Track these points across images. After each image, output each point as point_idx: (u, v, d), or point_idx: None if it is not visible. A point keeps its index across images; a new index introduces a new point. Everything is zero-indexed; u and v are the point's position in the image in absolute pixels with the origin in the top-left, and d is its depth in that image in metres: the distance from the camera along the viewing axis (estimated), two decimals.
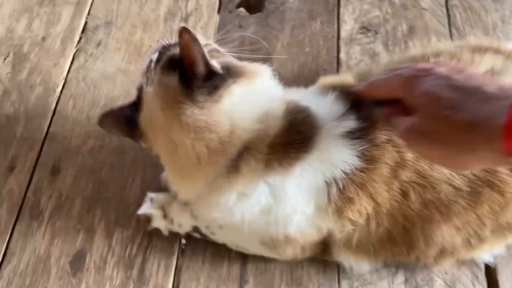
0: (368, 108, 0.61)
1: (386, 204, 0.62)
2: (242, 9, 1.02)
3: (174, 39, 0.64)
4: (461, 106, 0.47)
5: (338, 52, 0.97)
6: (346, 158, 0.60)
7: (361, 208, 0.61)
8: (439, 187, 0.60)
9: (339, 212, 0.62)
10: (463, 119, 0.46)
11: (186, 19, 0.99)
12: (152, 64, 0.63)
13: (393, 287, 0.72)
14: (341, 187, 0.60)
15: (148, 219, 0.74)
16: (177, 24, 0.97)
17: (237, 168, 0.60)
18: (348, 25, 1.00)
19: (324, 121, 0.61)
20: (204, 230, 0.73)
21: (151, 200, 0.75)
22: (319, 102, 0.64)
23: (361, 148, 0.60)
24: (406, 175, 0.60)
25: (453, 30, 1.01)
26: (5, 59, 0.91)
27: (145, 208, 0.75)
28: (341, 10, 1.02)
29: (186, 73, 0.58)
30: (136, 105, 0.65)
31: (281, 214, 0.63)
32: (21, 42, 0.93)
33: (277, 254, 0.71)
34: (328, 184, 0.60)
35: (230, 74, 0.60)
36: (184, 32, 0.55)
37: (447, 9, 1.03)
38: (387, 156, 0.60)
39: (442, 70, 0.51)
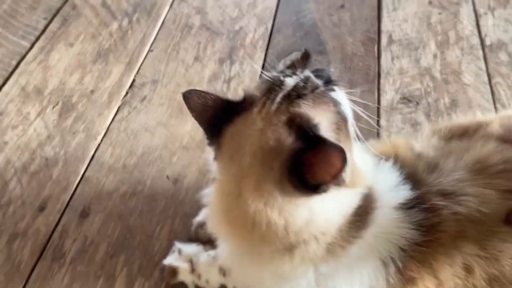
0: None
1: (450, 282, 0.57)
2: None
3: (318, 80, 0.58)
4: None
5: (379, 118, 0.96)
6: (404, 232, 0.56)
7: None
8: (503, 260, 0.56)
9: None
10: None
11: (228, 82, 1.02)
12: (279, 94, 0.55)
13: None
14: (400, 266, 0.56)
15: (174, 271, 0.71)
16: (221, 86, 1.00)
17: (292, 251, 0.54)
18: (389, 95, 1.01)
19: (380, 193, 0.58)
20: None
21: (179, 251, 0.72)
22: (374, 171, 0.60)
23: (418, 218, 0.56)
24: (468, 246, 0.56)
25: (498, 106, 0.99)
26: (53, 107, 0.96)
27: (172, 259, 0.72)
28: (382, 81, 1.04)
29: (302, 169, 0.50)
30: (233, 109, 0.56)
31: None
32: (71, 93, 0.99)
33: None
34: (385, 265, 0.56)
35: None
36: (337, 154, 0.48)
37: (491, 86, 1.03)
38: (447, 223, 0.56)
39: None
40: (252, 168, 0.52)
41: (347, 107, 0.58)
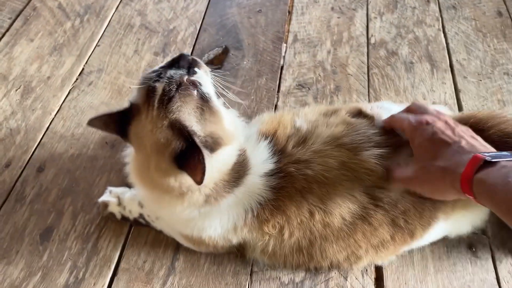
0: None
1: (297, 218, 0.78)
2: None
3: (188, 64, 0.75)
4: (442, 156, 0.67)
5: (277, 101, 1.23)
6: (262, 192, 0.77)
7: (275, 223, 0.79)
8: (333, 215, 0.78)
9: (254, 229, 0.79)
10: (439, 166, 0.67)
11: None
12: (156, 98, 0.71)
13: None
14: (255, 213, 0.77)
15: (105, 205, 0.94)
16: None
17: (183, 197, 0.75)
18: (288, 82, 1.28)
19: (253, 163, 0.78)
20: (147, 217, 0.92)
21: (110, 191, 0.96)
22: (253, 147, 0.81)
23: (274, 183, 0.76)
24: (312, 198, 0.78)
25: (371, 91, 1.27)
26: (16, 90, 1.18)
27: (104, 197, 0.95)
28: (284, 71, 1.31)
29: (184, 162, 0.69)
30: (126, 114, 0.74)
31: (200, 225, 0.80)
32: (31, 79, 1.21)
33: (195, 247, 0.89)
34: (245, 212, 0.77)
35: (210, 147, 0.71)
36: (200, 174, 0.65)
37: (368, 76, 1.31)
38: (297, 182, 0.77)
39: (438, 125, 0.72)
40: (152, 154, 0.71)
41: (208, 86, 0.75)
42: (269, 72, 1.30)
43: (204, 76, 0.77)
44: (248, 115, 1.18)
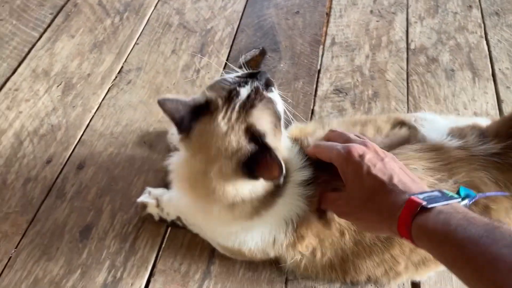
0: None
1: (329, 239, 0.78)
2: (242, 69, 1.30)
3: (264, 78, 0.75)
4: (376, 197, 0.64)
5: (314, 105, 1.22)
6: (300, 203, 0.74)
7: (309, 243, 0.78)
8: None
9: (290, 245, 0.78)
10: (375, 208, 0.64)
11: (198, 71, 1.27)
12: (237, 103, 0.70)
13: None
14: (295, 226, 0.75)
15: (144, 206, 0.95)
16: (191, 75, 1.25)
17: (233, 208, 0.73)
18: (325, 87, 1.26)
19: (290, 171, 0.75)
20: (184, 220, 0.93)
21: (149, 192, 0.97)
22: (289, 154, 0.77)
23: (310, 195, 0.74)
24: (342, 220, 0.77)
25: (410, 98, 1.25)
26: (58, 86, 1.20)
27: (143, 198, 0.96)
28: (321, 75, 1.29)
29: (252, 170, 0.68)
30: (196, 112, 0.71)
31: (242, 239, 0.79)
32: (72, 75, 1.22)
33: (231, 256, 0.89)
34: (287, 224, 0.76)
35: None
36: (276, 170, 0.64)
37: (407, 82, 1.28)
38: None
39: (368, 156, 0.67)
40: (217, 157, 0.68)
41: (280, 106, 0.76)
42: (306, 75, 1.29)
43: (277, 96, 0.77)
44: (285, 119, 1.17)
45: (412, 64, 1.33)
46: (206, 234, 0.90)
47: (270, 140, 0.69)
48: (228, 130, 0.68)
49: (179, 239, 0.94)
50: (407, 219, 0.59)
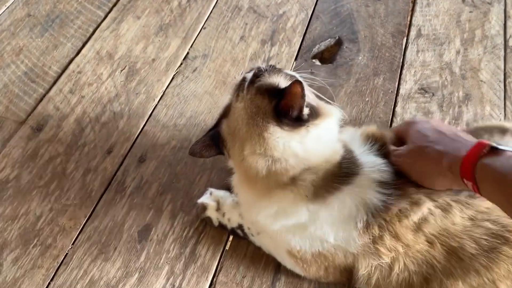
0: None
1: (415, 246, 0.69)
2: (316, 60, 1.19)
3: (268, 65, 0.76)
4: (439, 142, 0.67)
5: (395, 105, 1.09)
6: (376, 201, 0.69)
7: (390, 245, 0.69)
8: (462, 238, 0.67)
9: (368, 243, 0.70)
10: (438, 149, 0.65)
11: (267, 61, 1.17)
12: (246, 84, 0.74)
13: None
14: (368, 222, 0.69)
15: (204, 208, 0.88)
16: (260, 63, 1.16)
17: (289, 189, 0.70)
18: (408, 85, 1.13)
19: (364, 165, 0.72)
20: (246, 230, 0.85)
21: (211, 193, 0.90)
22: (361, 149, 0.75)
23: (388, 198, 0.69)
24: (431, 228, 0.68)
25: (508, 103, 1.09)
26: (121, 70, 1.14)
27: (204, 199, 0.89)
28: (404, 71, 1.16)
29: (281, 108, 0.69)
30: (219, 122, 0.77)
31: (312, 234, 0.72)
32: (136, 60, 1.16)
33: (302, 269, 0.79)
34: (361, 215, 0.69)
35: (311, 115, 0.70)
36: (298, 84, 0.65)
37: (505, 85, 1.12)
38: (412, 212, 0.68)
39: (432, 121, 0.73)
40: (249, 132, 0.70)
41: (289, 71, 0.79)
42: (388, 71, 1.16)
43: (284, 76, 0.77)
44: (362, 120, 1.06)
45: (511, 64, 1.16)
46: (272, 239, 0.81)
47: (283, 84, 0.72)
48: (245, 103, 0.72)
49: (242, 248, 0.87)
50: (473, 158, 0.59)
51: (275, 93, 0.70)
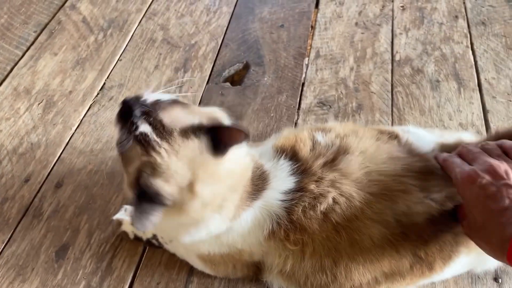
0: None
1: (321, 234, 0.75)
2: (227, 83, 1.30)
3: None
4: (485, 225, 0.66)
5: (297, 118, 1.21)
6: (280, 210, 0.74)
7: (296, 239, 0.75)
8: (362, 234, 0.74)
9: (275, 245, 0.76)
10: (485, 236, 0.67)
11: (181, 87, 1.26)
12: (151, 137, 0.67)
13: None
14: (274, 230, 0.75)
15: (119, 223, 0.94)
16: (173, 89, 1.25)
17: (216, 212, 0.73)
18: (308, 100, 1.25)
19: (271, 179, 0.76)
20: (160, 239, 0.90)
21: (125, 209, 0.96)
22: (271, 163, 0.79)
23: (291, 203, 0.74)
24: (337, 218, 0.74)
25: (394, 110, 1.24)
26: (39, 104, 1.19)
27: (119, 215, 0.95)
28: (305, 88, 1.28)
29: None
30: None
31: (223, 242, 0.78)
32: (54, 93, 1.22)
33: (212, 269, 0.86)
34: (263, 227, 0.75)
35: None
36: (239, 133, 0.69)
37: (392, 94, 1.27)
38: (318, 203, 0.74)
39: (485, 182, 0.67)
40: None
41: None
42: (290, 89, 1.28)
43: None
44: (268, 133, 1.17)
45: (397, 76, 1.32)
46: (183, 250, 0.88)
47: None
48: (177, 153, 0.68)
49: (157, 258, 0.93)
50: None
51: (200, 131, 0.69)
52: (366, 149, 0.80)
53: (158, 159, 0.65)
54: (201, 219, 0.73)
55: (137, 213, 0.64)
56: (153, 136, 0.66)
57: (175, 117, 0.69)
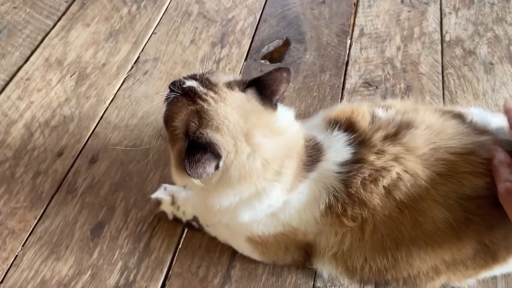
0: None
1: (383, 211, 0.69)
2: (265, 60, 1.22)
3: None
4: None
5: (341, 99, 1.14)
6: (337, 183, 0.69)
7: (355, 214, 0.69)
8: (425, 216, 0.69)
9: (333, 218, 0.70)
10: None
11: (218, 62, 1.20)
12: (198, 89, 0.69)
13: None
14: (331, 203, 0.70)
15: (158, 203, 0.88)
16: (210, 65, 1.18)
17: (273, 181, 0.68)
18: (353, 80, 1.18)
19: (326, 150, 0.72)
20: (201, 221, 0.85)
21: (165, 188, 0.90)
22: (324, 134, 0.75)
23: (348, 175, 0.69)
24: (401, 195, 0.68)
25: (446, 93, 1.16)
26: (71, 76, 1.14)
27: (158, 193, 0.89)
28: (349, 67, 1.21)
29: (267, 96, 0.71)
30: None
31: (279, 220, 0.73)
32: (86, 65, 1.16)
33: (261, 253, 0.80)
34: (323, 198, 0.70)
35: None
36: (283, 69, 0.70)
37: (443, 76, 1.19)
38: (380, 177, 0.69)
39: None
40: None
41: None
42: (333, 67, 1.21)
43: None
44: (310, 113, 1.10)
45: (448, 57, 1.24)
46: (228, 233, 0.82)
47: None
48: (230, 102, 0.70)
49: (197, 240, 0.87)
50: None
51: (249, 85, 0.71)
52: (432, 124, 0.74)
53: (205, 106, 0.66)
54: (262, 189, 0.68)
55: (191, 162, 0.62)
56: (199, 88, 0.69)
57: (219, 77, 0.72)
